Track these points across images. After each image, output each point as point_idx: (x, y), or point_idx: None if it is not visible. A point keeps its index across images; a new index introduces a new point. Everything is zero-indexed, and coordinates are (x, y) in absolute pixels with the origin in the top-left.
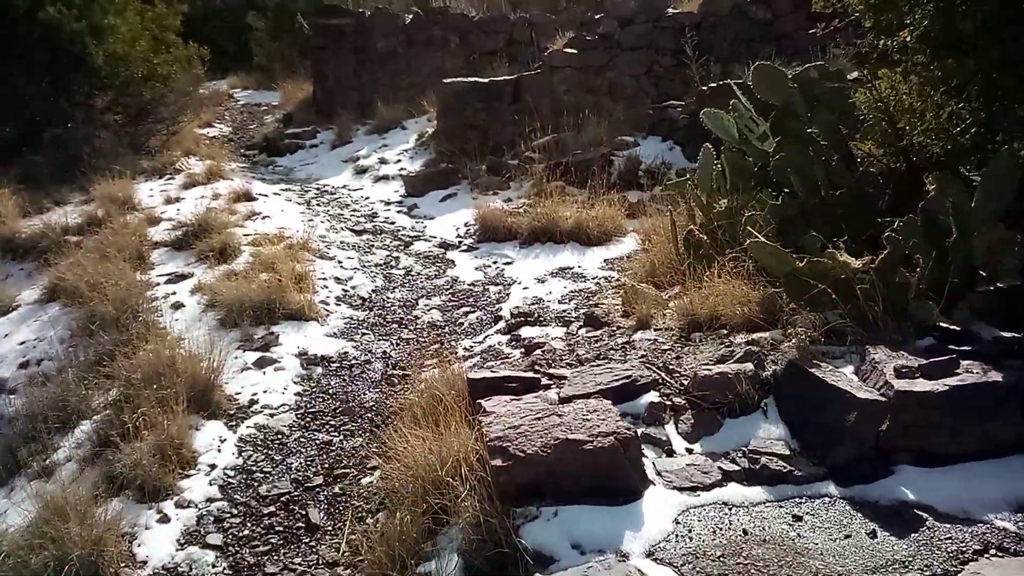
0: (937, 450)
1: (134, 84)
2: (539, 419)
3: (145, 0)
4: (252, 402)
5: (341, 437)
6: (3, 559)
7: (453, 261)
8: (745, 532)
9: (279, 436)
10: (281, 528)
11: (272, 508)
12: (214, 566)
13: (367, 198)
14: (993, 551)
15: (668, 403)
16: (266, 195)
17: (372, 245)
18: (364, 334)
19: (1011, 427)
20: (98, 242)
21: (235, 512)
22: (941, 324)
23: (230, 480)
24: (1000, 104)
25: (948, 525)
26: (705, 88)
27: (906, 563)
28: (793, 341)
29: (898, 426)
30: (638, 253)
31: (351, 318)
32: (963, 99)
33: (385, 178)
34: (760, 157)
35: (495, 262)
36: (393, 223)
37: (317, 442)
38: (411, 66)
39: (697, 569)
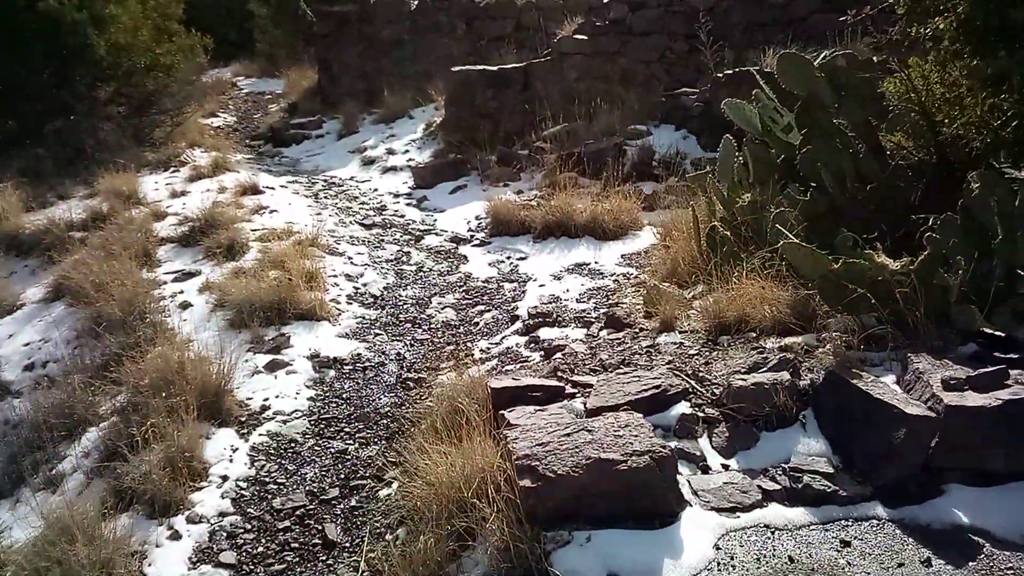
0: (991, 468)
1: (137, 74)
2: (568, 435)
3: None
4: (264, 408)
5: (356, 445)
6: None
7: (465, 256)
8: (791, 559)
9: (292, 444)
10: (297, 545)
11: (287, 523)
12: None
13: (375, 190)
14: None
15: (700, 414)
16: (273, 188)
17: (382, 240)
18: (377, 334)
19: None
20: (103, 238)
21: (249, 527)
22: (984, 330)
23: (243, 492)
24: None
25: (1008, 552)
26: (720, 75)
27: None
28: (828, 347)
29: (949, 443)
30: (656, 248)
31: (363, 317)
32: (1004, 91)
33: (393, 169)
34: (784, 149)
35: (509, 258)
36: (403, 216)
37: (332, 451)
38: (417, 53)
39: None
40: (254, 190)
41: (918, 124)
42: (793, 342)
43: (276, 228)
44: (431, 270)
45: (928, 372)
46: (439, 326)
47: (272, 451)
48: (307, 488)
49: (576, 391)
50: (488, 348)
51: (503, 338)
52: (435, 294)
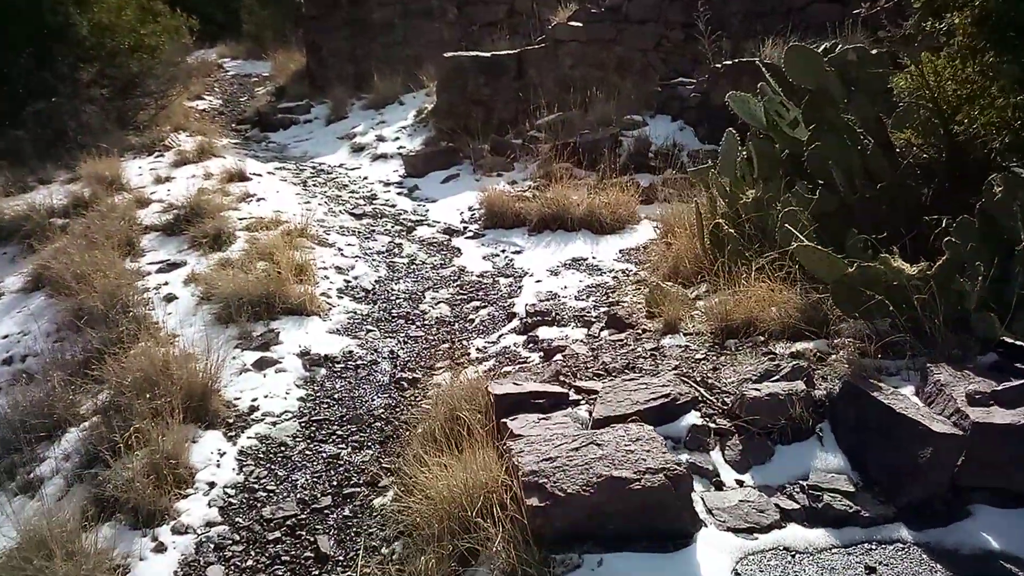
0: (1019, 489)
1: (121, 55)
2: (577, 449)
3: None
4: (252, 409)
5: (349, 449)
6: None
7: (459, 249)
8: None
9: (282, 448)
10: (288, 558)
11: (277, 533)
12: None
13: (365, 178)
14: None
15: (712, 426)
16: (260, 175)
17: (373, 230)
18: (369, 330)
19: None
20: (85, 226)
21: (237, 538)
22: (1005, 339)
23: (231, 500)
24: None
25: None
26: (719, 66)
27: None
28: (841, 354)
29: (976, 462)
30: (655, 243)
31: (354, 312)
32: None
33: (383, 157)
34: (790, 145)
35: (503, 251)
36: (394, 206)
37: (323, 455)
38: (408, 37)
39: None
40: (241, 177)
41: (929, 122)
42: (804, 348)
43: (264, 217)
44: (424, 263)
45: (950, 384)
46: (433, 322)
47: (261, 455)
48: (298, 496)
49: (580, 397)
50: (485, 347)
51: (500, 337)
52: (428, 288)
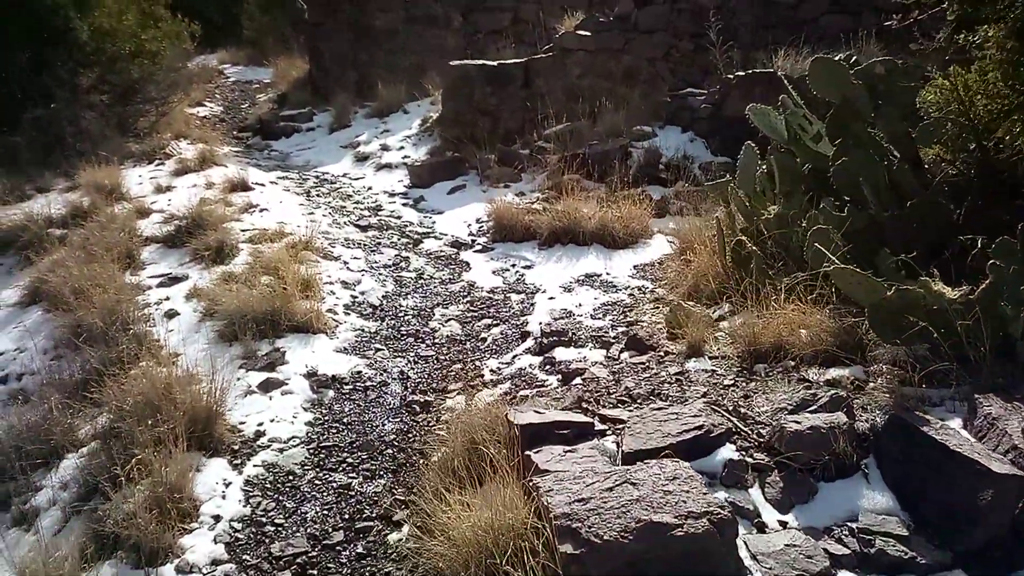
0: None
1: (121, 61)
2: (611, 489)
3: None
4: (258, 434)
5: (360, 479)
6: None
7: (468, 263)
8: None
9: (290, 477)
10: None
11: (287, 573)
12: None
13: (370, 188)
14: None
15: (749, 460)
16: (263, 184)
17: (379, 243)
18: (378, 349)
19: None
20: (83, 237)
21: None
22: None
23: (237, 535)
24: None
25: None
26: (731, 76)
27: None
28: (879, 381)
29: None
30: (670, 259)
31: (362, 330)
32: None
33: (388, 166)
34: (812, 159)
35: (513, 265)
36: (399, 217)
37: (334, 485)
38: (411, 45)
39: None
40: (243, 186)
41: (959, 137)
42: (840, 375)
43: (267, 229)
44: (432, 277)
45: (1003, 418)
46: (444, 341)
47: (269, 485)
48: (308, 531)
49: (606, 427)
50: (499, 368)
51: (514, 357)
52: (437, 304)
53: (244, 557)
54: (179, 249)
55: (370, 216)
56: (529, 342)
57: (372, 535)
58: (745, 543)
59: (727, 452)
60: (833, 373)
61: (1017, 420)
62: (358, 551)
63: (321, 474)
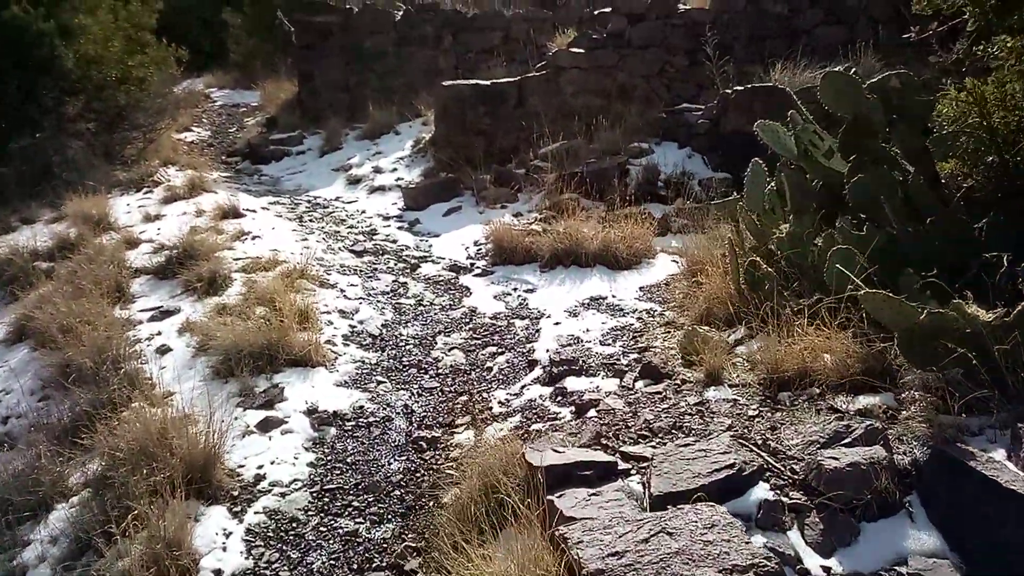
0: None
1: (108, 88)
2: (646, 541)
3: None
4: (259, 478)
5: (368, 524)
6: None
7: (468, 288)
8: None
9: (294, 525)
10: None
11: None
12: None
13: (363, 212)
14: None
15: (785, 500)
16: (254, 210)
17: (375, 268)
18: (380, 382)
19: None
20: (71, 270)
21: None
22: None
23: None
24: None
25: None
26: (729, 91)
27: None
28: (912, 409)
29: None
30: (676, 279)
31: (362, 361)
32: None
33: (381, 189)
34: (824, 176)
35: (515, 289)
36: (395, 241)
37: (340, 532)
38: (402, 65)
39: None
40: (234, 213)
41: (977, 151)
42: (871, 404)
43: (260, 257)
44: (432, 304)
45: None
46: (447, 371)
47: (271, 534)
48: None
49: (630, 466)
50: (507, 400)
51: (523, 388)
52: (439, 332)
53: None
54: (170, 280)
55: (365, 241)
56: (537, 371)
57: None
58: None
59: (761, 492)
60: (863, 401)
61: None
62: None
63: (326, 520)
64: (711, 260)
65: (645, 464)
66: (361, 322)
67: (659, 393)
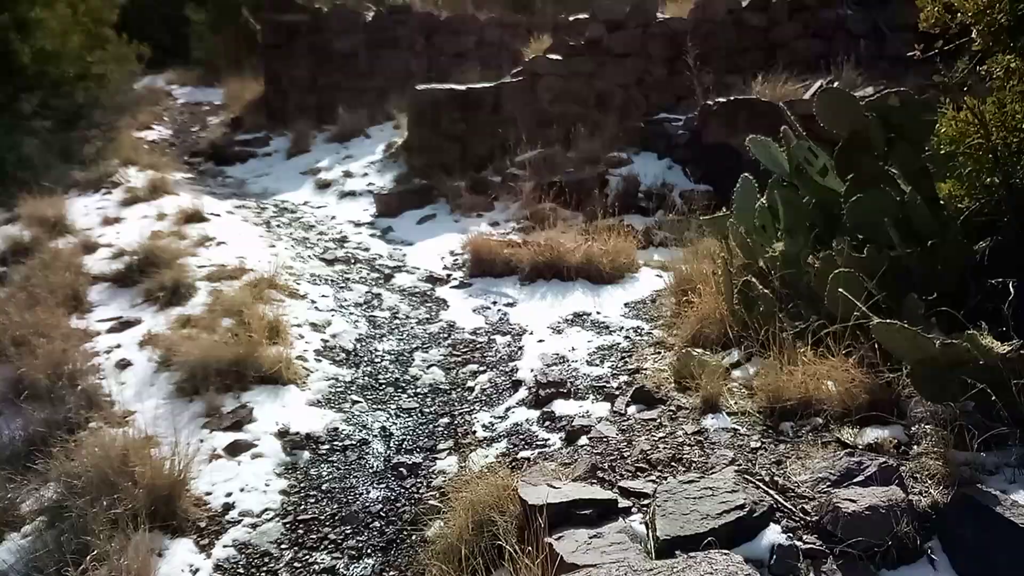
0: None
1: (65, 84)
2: None
3: None
4: (227, 507)
5: (346, 559)
6: None
7: (445, 301)
8: None
9: (266, 560)
10: None
11: None
12: None
13: (333, 218)
14: None
15: (799, 545)
16: (219, 214)
17: (347, 278)
18: (355, 401)
19: None
20: (24, 276)
21: None
22: None
23: None
24: None
25: None
26: (711, 103)
27: None
28: (924, 444)
29: None
30: (662, 296)
31: (336, 379)
32: None
33: (352, 194)
34: (817, 194)
35: (495, 303)
36: (367, 249)
37: (316, 568)
38: (373, 68)
39: None
40: (198, 217)
41: (977, 172)
42: (880, 437)
43: (226, 264)
44: (408, 317)
45: None
46: (426, 390)
47: (242, 571)
48: None
49: (630, 503)
50: (492, 423)
51: (508, 410)
52: (417, 348)
53: None
54: (130, 288)
55: (336, 248)
56: (523, 392)
57: None
58: None
59: (773, 535)
60: (871, 435)
61: None
62: None
63: (300, 554)
64: (701, 277)
65: (647, 502)
66: (334, 336)
67: (654, 420)
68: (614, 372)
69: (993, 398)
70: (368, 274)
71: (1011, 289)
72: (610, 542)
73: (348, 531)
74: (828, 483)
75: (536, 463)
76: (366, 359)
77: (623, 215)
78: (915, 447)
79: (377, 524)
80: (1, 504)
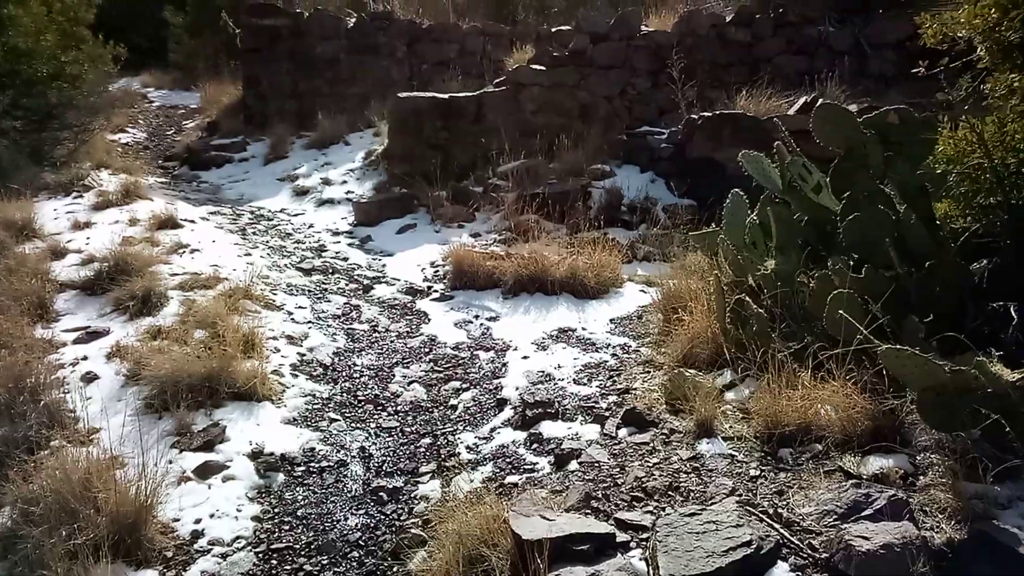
0: None
1: (38, 84)
2: None
3: None
4: (196, 535)
5: None
6: None
7: (426, 314)
8: None
9: None
10: None
11: None
12: None
13: (311, 226)
14: None
15: None
16: (193, 221)
17: (325, 289)
18: (333, 420)
19: None
20: None
21: None
22: None
23: None
24: None
25: None
26: (696, 116)
27: None
28: (931, 475)
29: None
30: (649, 312)
31: (313, 395)
32: None
33: (330, 202)
34: (810, 211)
35: (477, 317)
36: (346, 259)
37: None
38: (354, 74)
39: None
40: (172, 223)
41: (976, 192)
42: (885, 467)
43: (200, 273)
44: (387, 330)
45: None
46: (407, 408)
47: None
48: None
49: (628, 537)
50: (476, 445)
51: (493, 431)
52: (397, 363)
53: None
54: (99, 297)
55: (313, 258)
56: (508, 412)
57: None
58: None
59: (782, 574)
60: (875, 464)
61: None
62: None
63: None
64: (691, 294)
65: (646, 535)
66: (311, 349)
67: (646, 444)
68: (603, 392)
69: (1007, 428)
70: (347, 285)
71: (1013, 314)
72: None
73: (325, 562)
74: (835, 516)
75: (525, 490)
76: (344, 374)
77: (606, 228)
78: (922, 478)
79: (356, 554)
80: None
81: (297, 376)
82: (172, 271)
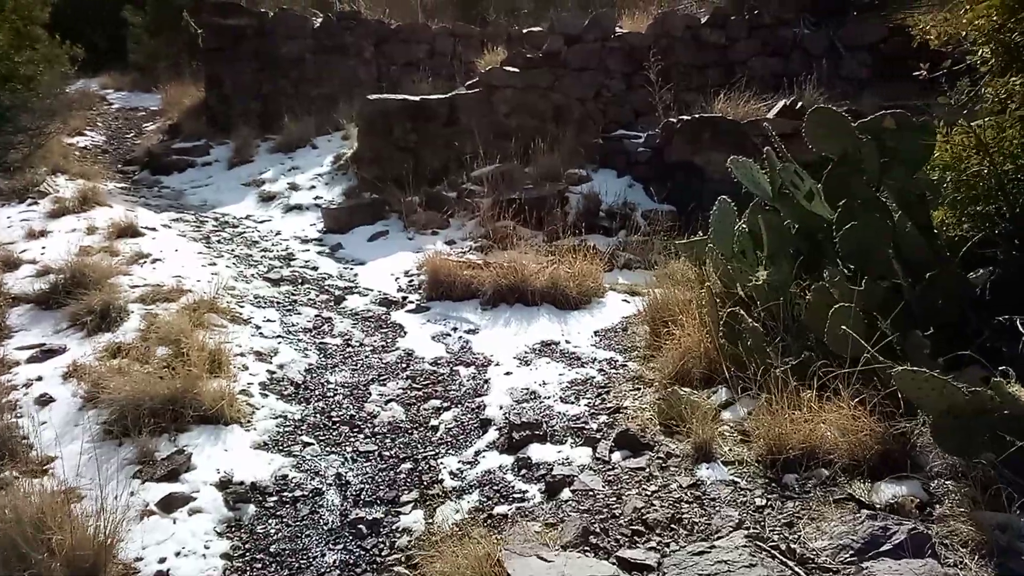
0: None
1: None
2: None
3: None
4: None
5: None
6: None
7: (402, 326)
8: None
9: None
10: None
11: None
12: None
13: (278, 233)
14: None
15: None
16: (155, 229)
17: (295, 300)
18: (306, 444)
19: None
20: None
21: None
22: None
23: None
24: None
25: None
26: (674, 120)
27: None
28: (947, 503)
29: None
30: (633, 323)
31: (284, 417)
32: None
33: (298, 208)
34: (802, 219)
35: (455, 329)
36: (316, 268)
37: None
38: (321, 75)
39: None
40: (132, 231)
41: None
42: (898, 495)
43: (162, 284)
44: (362, 345)
45: None
46: (385, 430)
47: None
48: None
49: None
50: (460, 470)
51: (477, 455)
52: (373, 380)
53: None
54: (55, 312)
55: (282, 267)
56: (492, 433)
57: None
58: None
59: None
60: (888, 491)
61: None
62: None
63: None
64: (680, 306)
65: (651, 575)
66: (281, 366)
67: (642, 469)
68: (592, 411)
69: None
70: (317, 296)
71: (1021, 328)
72: None
73: None
74: (851, 552)
75: (516, 522)
76: (317, 393)
77: (586, 235)
78: (938, 507)
79: None
80: None
81: (267, 396)
82: (133, 283)
